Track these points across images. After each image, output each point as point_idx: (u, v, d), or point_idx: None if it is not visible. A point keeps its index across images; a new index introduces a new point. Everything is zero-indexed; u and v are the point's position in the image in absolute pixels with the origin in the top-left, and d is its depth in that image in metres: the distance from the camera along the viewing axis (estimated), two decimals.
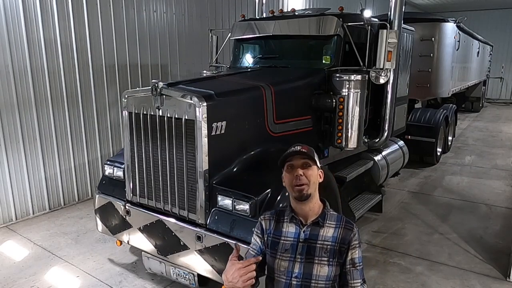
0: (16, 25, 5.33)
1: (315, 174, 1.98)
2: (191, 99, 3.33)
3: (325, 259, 1.94)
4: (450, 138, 9.92)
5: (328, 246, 1.94)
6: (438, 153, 8.82)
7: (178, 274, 3.64)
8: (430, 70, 8.27)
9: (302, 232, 1.98)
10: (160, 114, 3.53)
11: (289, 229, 2.01)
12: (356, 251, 1.98)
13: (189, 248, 3.49)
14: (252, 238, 2.13)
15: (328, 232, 1.97)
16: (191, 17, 8.08)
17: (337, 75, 4.53)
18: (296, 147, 2.01)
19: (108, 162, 4.37)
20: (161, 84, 3.47)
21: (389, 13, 4.88)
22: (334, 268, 1.95)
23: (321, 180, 2.02)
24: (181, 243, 3.53)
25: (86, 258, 4.63)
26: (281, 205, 3.21)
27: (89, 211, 5.85)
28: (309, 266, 1.94)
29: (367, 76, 4.63)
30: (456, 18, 9.23)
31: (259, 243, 2.08)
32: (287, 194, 2.13)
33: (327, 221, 1.99)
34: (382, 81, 4.70)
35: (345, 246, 1.96)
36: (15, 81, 5.39)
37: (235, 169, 3.61)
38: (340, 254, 1.96)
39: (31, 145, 5.69)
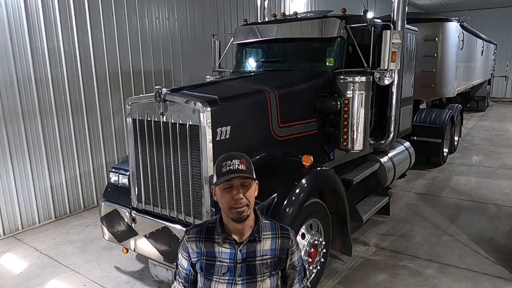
0: (20, 35, 5.36)
1: (253, 193, 1.83)
2: (195, 105, 3.30)
3: (267, 273, 1.87)
4: (456, 138, 9.84)
5: (268, 260, 1.87)
6: (445, 154, 8.75)
7: None
8: (434, 70, 8.21)
9: (238, 252, 1.84)
10: (164, 120, 3.52)
11: (223, 250, 1.85)
12: (295, 255, 1.95)
13: None
14: (178, 256, 1.97)
15: (265, 245, 1.87)
16: (193, 22, 8.10)
17: (341, 77, 4.50)
18: (233, 161, 1.78)
19: (113, 170, 4.35)
20: (164, 90, 3.45)
21: (392, 13, 4.85)
22: (276, 277, 1.92)
23: (256, 194, 1.87)
24: None
25: (92, 267, 4.61)
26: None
27: (95, 219, 5.84)
28: (252, 286, 1.85)
29: (371, 77, 4.59)
30: (459, 18, 9.17)
31: (187, 265, 1.95)
32: (220, 213, 1.91)
33: (262, 233, 1.88)
34: (386, 82, 4.66)
35: (284, 255, 1.92)
36: (19, 91, 5.41)
37: None
38: (280, 263, 1.92)
39: (36, 154, 5.70)
